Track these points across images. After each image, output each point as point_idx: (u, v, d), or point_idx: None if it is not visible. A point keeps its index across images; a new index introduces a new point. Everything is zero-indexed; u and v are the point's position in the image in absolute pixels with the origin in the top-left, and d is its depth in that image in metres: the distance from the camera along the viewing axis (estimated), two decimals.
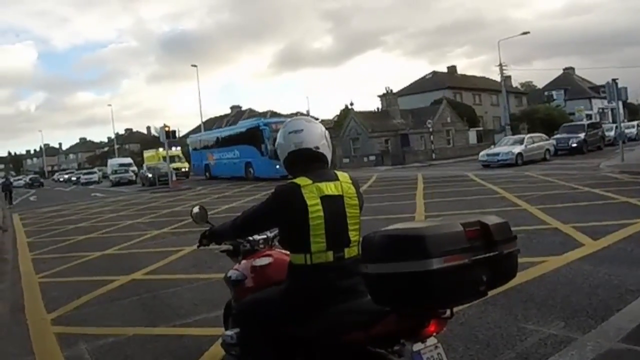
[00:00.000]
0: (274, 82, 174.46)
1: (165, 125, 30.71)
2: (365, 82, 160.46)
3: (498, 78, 49.63)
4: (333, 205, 2.63)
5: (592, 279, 5.38)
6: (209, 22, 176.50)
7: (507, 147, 27.39)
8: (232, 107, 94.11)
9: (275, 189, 2.69)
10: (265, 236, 3.48)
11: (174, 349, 4.59)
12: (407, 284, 2.03)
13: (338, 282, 2.54)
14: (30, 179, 64.44)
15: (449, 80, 60.54)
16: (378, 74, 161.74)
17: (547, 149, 29.04)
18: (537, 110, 52.18)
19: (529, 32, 45.20)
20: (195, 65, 52.52)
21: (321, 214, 2.58)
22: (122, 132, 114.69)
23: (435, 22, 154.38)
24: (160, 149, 44.95)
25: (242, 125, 35.72)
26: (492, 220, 2.32)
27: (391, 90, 46.91)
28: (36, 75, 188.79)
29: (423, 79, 63.51)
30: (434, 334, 2.27)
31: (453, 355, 3.80)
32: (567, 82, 72.69)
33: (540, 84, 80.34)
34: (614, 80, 22.94)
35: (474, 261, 2.07)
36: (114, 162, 54.53)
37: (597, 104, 69.84)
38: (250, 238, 3.44)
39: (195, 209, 3.58)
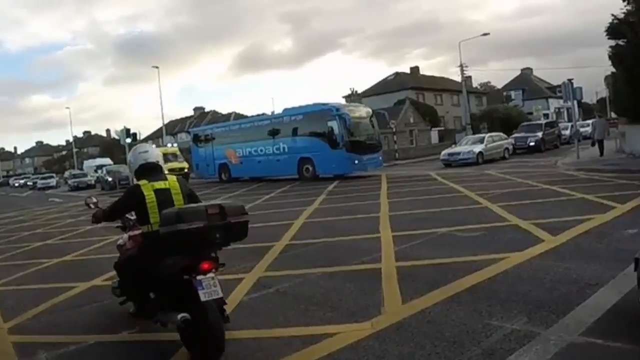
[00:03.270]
0: (235, 83, 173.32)
1: (125, 128, 29.96)
2: (328, 83, 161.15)
3: (458, 79, 50.72)
4: (163, 195, 4.52)
5: (553, 274, 5.52)
6: (167, 24, 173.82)
7: (468, 146, 27.92)
8: (195, 109, 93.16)
9: (127, 189, 4.88)
10: (134, 217, 4.96)
11: (138, 355, 4.48)
12: (174, 238, 3.93)
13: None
14: None
15: (411, 80, 61.31)
16: (339, 76, 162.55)
17: (506, 148, 29.75)
18: (496, 110, 53.41)
19: (489, 34, 46.39)
20: (156, 67, 51.61)
21: (154, 200, 4.46)
22: (80, 135, 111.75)
23: (393, 24, 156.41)
24: (153, 146, 41.84)
25: (294, 112, 26.57)
26: (227, 203, 4.21)
27: (356, 91, 47.27)
28: None
29: (386, 80, 64.16)
30: (212, 270, 4.05)
31: (421, 352, 3.83)
32: (525, 82, 74.67)
33: (498, 84, 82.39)
34: (569, 80, 23.69)
35: (208, 226, 3.91)
36: (90, 163, 50.87)
37: (554, 103, 72.04)
38: (129, 217, 5.20)
39: (90, 199, 5.54)
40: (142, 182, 4.54)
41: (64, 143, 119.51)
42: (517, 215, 9.39)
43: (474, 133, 38.70)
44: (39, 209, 25.48)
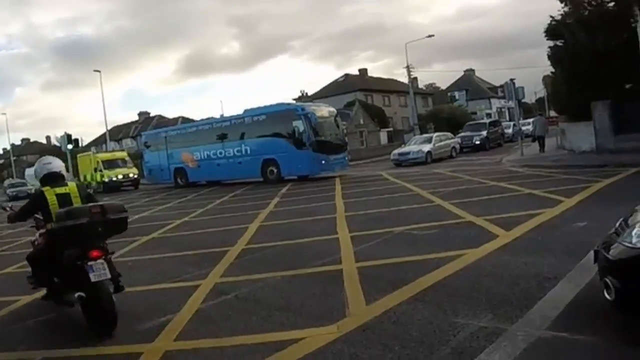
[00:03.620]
0: (181, 88, 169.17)
1: (66, 133, 28.71)
2: (278, 85, 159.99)
3: (405, 80, 51.53)
4: (63, 198, 5.40)
5: (511, 269, 5.58)
6: (108, 28, 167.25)
7: (417, 146, 28.34)
8: (140, 114, 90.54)
9: (33, 194, 6.08)
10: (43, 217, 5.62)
11: None
12: (64, 232, 4.94)
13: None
14: None
15: (360, 82, 61.89)
16: (288, 79, 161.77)
17: (454, 147, 30.43)
18: (441, 110, 54.69)
19: (433, 35, 47.81)
20: (98, 71, 49.95)
21: (56, 203, 5.33)
22: (18, 142, 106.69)
23: (339, 27, 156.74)
24: (99, 154, 37.81)
25: (256, 112, 25.59)
26: (109, 203, 5.42)
27: (306, 94, 47.34)
28: None
29: (336, 82, 64.54)
30: (101, 257, 4.98)
31: (390, 355, 3.75)
32: (468, 83, 76.97)
33: (443, 85, 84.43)
34: (511, 80, 24.40)
35: (90, 221, 4.92)
36: (32, 171, 48.67)
37: (496, 103, 74.73)
38: (38, 217, 5.81)
39: (5, 203, 6.73)
40: (46, 188, 5.49)
41: (0, 152, 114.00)
42: (470, 212, 9.54)
43: (421, 133, 39.40)
44: None
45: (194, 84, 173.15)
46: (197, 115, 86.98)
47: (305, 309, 5.10)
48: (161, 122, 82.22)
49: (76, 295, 4.93)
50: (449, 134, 32.36)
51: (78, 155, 39.45)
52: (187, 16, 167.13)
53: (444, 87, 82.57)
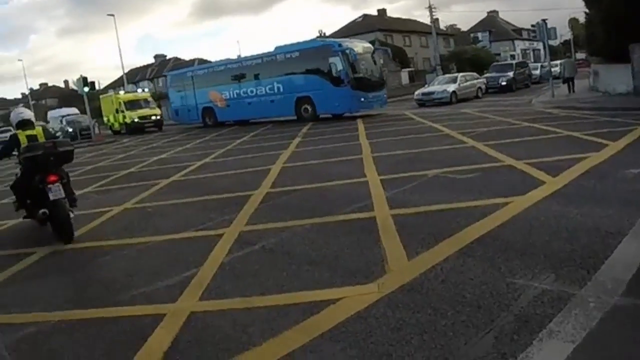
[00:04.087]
0: (195, 30, 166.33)
1: (82, 77, 28.04)
2: (293, 28, 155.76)
3: (424, 21, 49.56)
4: (32, 139, 6.82)
5: (566, 221, 5.02)
6: None
7: (442, 85, 27.32)
8: (156, 57, 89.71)
9: (10, 137, 7.13)
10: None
11: (110, 335, 3.80)
12: (26, 162, 6.70)
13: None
14: None
15: (379, 22, 59.82)
16: (305, 20, 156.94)
17: (479, 87, 29.32)
18: (464, 51, 52.73)
19: None
20: (112, 15, 48.70)
21: (26, 142, 6.76)
22: (36, 87, 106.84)
23: None
24: (121, 92, 36.64)
25: (288, 49, 24.26)
26: (60, 140, 8.23)
27: (324, 34, 45.79)
28: None
29: (354, 22, 62.49)
30: (57, 181, 6.50)
31: (444, 322, 3.29)
32: (492, 24, 74.62)
33: (464, 27, 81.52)
34: (543, 20, 23.05)
35: (42, 154, 6.51)
36: (55, 113, 45.75)
37: (520, 45, 72.36)
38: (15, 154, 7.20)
39: None
40: (19, 131, 7.07)
41: (19, 96, 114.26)
42: (507, 154, 8.91)
43: (443, 74, 38.03)
44: None
45: (209, 26, 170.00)
46: (213, 57, 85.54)
47: (339, 263, 4.65)
48: (177, 64, 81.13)
49: (40, 212, 6.62)
50: (475, 74, 31.13)
51: (101, 96, 39.11)
52: None
53: (465, 28, 79.79)
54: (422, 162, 9.17)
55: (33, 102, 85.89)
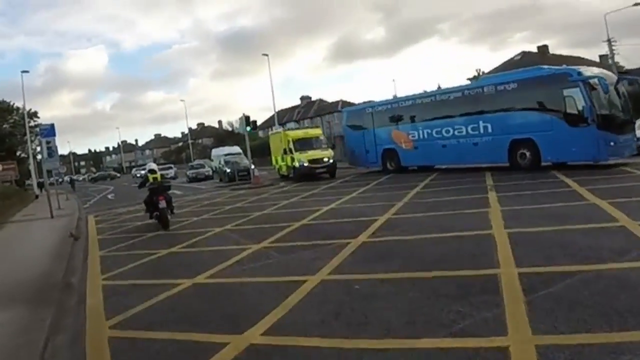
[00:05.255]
0: (330, 74, 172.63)
1: (245, 115, 28.08)
2: (428, 70, 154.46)
3: (590, 57, 44.18)
4: (154, 179, 14.79)
5: None
6: (264, 19, 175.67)
7: None
8: (302, 98, 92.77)
9: (144, 176, 16.20)
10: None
11: None
12: (150, 190, 14.71)
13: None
14: (70, 179, 61.09)
15: (541, 61, 55.00)
16: (440, 63, 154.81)
17: None
18: None
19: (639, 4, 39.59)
20: (266, 55, 50.90)
21: (151, 180, 14.78)
22: (194, 127, 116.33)
23: (489, 8, 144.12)
24: (290, 132, 31.40)
25: (502, 80, 20.28)
26: (163, 180, 15.45)
27: (483, 73, 42.95)
28: (108, 77, 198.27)
29: (511, 60, 58.49)
30: (163, 200, 14.05)
31: None
32: None
33: (628, 64, 72.05)
34: None
35: (157, 187, 14.57)
36: (219, 152, 44.32)
37: None
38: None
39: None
40: (148, 174, 14.75)
41: (179, 135, 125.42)
42: None
43: None
44: None
45: (342, 70, 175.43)
46: (355, 98, 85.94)
47: None
48: (322, 105, 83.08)
49: (154, 214, 14.30)
50: None
51: (270, 134, 37.54)
52: (332, 3, 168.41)
53: (629, 66, 70.51)
54: None
55: (191, 141, 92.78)
